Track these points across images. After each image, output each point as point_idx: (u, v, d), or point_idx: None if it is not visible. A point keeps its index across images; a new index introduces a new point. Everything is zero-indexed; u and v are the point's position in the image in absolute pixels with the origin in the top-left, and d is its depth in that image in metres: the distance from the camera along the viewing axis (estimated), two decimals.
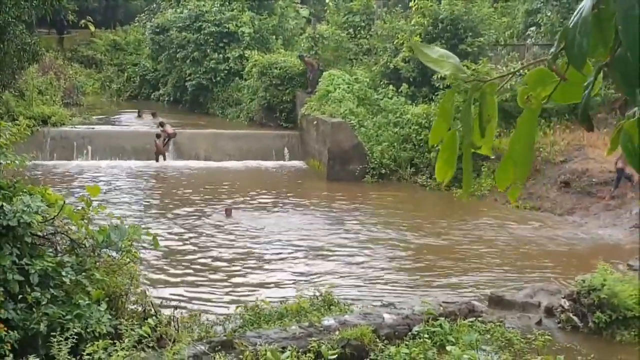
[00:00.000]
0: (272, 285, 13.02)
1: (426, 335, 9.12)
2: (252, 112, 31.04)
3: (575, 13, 1.75)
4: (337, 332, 8.91)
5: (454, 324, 9.49)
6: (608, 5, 1.68)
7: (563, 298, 10.56)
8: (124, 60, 43.32)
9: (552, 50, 1.85)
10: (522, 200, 19.35)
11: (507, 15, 33.47)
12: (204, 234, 16.27)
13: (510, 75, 2.05)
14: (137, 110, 33.10)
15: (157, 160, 25.22)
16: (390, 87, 24.95)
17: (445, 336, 9.17)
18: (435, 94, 23.52)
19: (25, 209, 7.42)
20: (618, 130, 1.77)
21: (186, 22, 34.97)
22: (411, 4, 26.91)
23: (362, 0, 30.90)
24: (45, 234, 8.21)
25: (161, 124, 26.44)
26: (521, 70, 2.20)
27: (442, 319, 9.56)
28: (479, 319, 10.00)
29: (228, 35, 34.31)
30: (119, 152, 25.41)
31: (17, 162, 8.62)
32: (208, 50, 34.28)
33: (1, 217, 7.26)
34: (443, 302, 10.65)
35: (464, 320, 9.70)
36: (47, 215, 8.14)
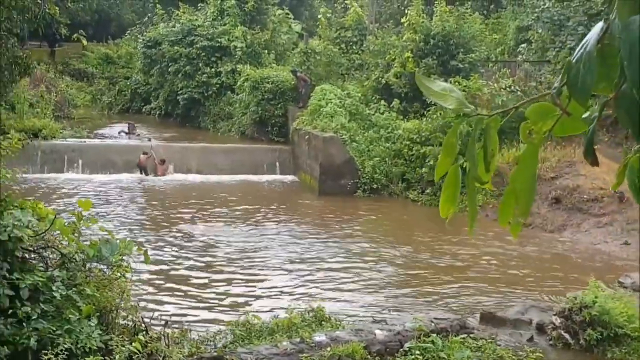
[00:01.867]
0: (262, 300, 12.96)
1: (418, 352, 9.09)
2: (244, 126, 31.04)
3: (579, 48, 1.73)
4: (328, 348, 8.86)
5: (445, 341, 9.46)
6: (613, 40, 1.67)
7: (554, 315, 10.55)
8: (116, 74, 43.41)
9: (556, 84, 1.83)
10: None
11: (498, 32, 33.76)
12: (194, 248, 16.21)
13: (513, 110, 2.02)
14: (127, 125, 32.51)
15: (141, 173, 25.15)
16: (382, 102, 25.01)
17: (437, 352, 9.13)
18: (427, 109, 23.56)
19: (16, 223, 7.38)
20: (625, 165, 1.76)
21: (178, 36, 35.08)
22: (403, 20, 27.07)
23: (354, 16, 31.09)
24: (35, 248, 8.15)
25: (152, 148, 26.04)
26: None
27: (434, 335, 9.54)
28: (471, 335, 9.98)
29: (220, 49, 34.41)
30: (109, 166, 25.36)
31: (8, 175, 8.59)
32: (200, 64, 34.36)
33: None
34: (435, 318, 10.61)
35: (456, 336, 9.67)
36: (38, 230, 8.08)
